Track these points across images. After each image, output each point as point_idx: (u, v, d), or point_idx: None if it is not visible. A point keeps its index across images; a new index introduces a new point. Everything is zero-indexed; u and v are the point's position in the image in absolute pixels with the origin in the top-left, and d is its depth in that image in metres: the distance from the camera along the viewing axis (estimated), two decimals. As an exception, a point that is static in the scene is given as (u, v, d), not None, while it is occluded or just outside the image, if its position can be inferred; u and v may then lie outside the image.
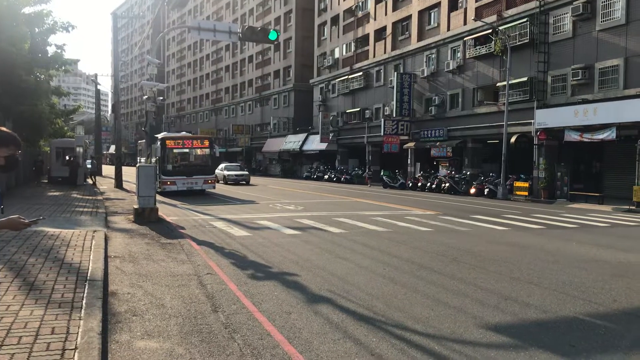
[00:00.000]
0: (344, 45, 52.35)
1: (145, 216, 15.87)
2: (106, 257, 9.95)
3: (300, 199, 26.06)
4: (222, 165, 40.79)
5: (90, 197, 23.35)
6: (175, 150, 27.63)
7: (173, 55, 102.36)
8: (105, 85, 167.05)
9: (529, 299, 7.63)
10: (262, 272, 9.32)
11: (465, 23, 35.76)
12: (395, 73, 41.13)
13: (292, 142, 58.25)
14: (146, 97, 18.93)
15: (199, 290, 7.89)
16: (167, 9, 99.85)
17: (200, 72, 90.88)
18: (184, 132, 35.63)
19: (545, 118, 28.22)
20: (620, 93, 24.90)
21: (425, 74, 38.97)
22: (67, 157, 33.50)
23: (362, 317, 6.67)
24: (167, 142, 27.26)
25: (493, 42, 32.28)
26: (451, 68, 36.34)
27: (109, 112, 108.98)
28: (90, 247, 10.34)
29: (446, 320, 6.57)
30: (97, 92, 50.25)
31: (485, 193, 29.78)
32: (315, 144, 53.45)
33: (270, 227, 15.27)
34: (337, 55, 53.58)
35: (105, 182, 38.42)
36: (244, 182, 39.75)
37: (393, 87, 40.81)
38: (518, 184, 29.65)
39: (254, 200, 24.93)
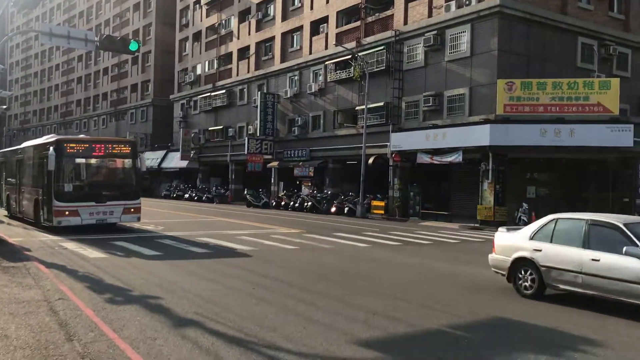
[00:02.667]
0: (207, 62, 51.62)
1: (-17, 237, 14.03)
2: None
3: (160, 219, 24.94)
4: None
5: None
6: (78, 161, 17.91)
7: (17, 64, 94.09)
8: None
9: (396, 313, 7.84)
10: (122, 296, 8.67)
11: (326, 47, 36.92)
12: (259, 92, 41.28)
13: (150, 159, 55.79)
14: (-14, 104, 17.09)
15: (49, 318, 7.11)
16: (9, 12, 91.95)
17: (49, 83, 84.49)
18: (82, 135, 25.05)
19: (400, 141, 29.83)
20: (465, 119, 27.06)
21: (289, 95, 39.56)
22: None
23: (233, 340, 6.40)
24: (67, 146, 17.45)
25: (352, 67, 33.62)
26: (313, 90, 37.24)
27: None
28: None
29: (318, 338, 6.52)
30: None
31: (345, 211, 30.69)
32: (175, 161, 51.80)
33: (128, 248, 14.36)
34: (199, 71, 52.65)
35: None
36: None
37: (257, 107, 40.87)
38: (375, 203, 30.96)
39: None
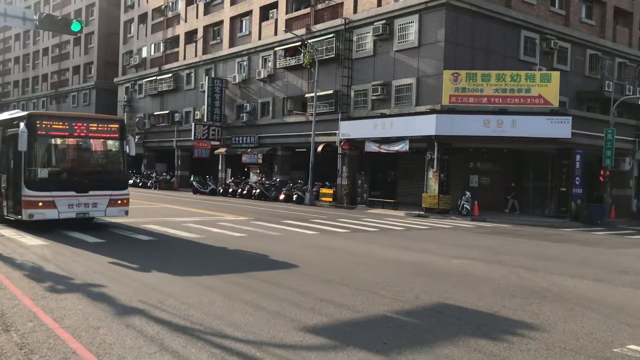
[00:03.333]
0: (153, 45, 50.37)
1: None
2: None
3: (103, 205, 24.25)
4: None
5: None
6: (55, 141, 14.87)
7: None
8: None
9: (342, 299, 7.94)
10: (63, 284, 8.43)
11: (276, 33, 36.64)
12: (207, 77, 40.63)
13: (93, 143, 54.32)
14: None
15: (-15, 308, 6.85)
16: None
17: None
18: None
19: (349, 129, 30.03)
20: (412, 109, 27.45)
21: (237, 81, 39.10)
22: None
23: (179, 328, 6.34)
24: (41, 123, 14.28)
25: (302, 54, 33.52)
26: (262, 76, 36.94)
27: None
28: None
29: (266, 325, 6.53)
30: None
31: (294, 199, 30.72)
32: (119, 146, 50.44)
33: (70, 234, 13.94)
34: (144, 54, 51.33)
35: None
36: None
37: (204, 92, 40.24)
38: (324, 190, 31.13)
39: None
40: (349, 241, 14.87)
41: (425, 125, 25.55)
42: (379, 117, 28.43)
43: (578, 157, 25.51)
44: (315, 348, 5.82)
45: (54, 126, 14.52)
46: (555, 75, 25.18)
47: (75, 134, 14.78)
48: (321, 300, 7.86)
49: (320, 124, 31.51)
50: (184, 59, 45.67)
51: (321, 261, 11.22)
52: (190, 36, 45.62)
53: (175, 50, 47.13)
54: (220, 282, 8.93)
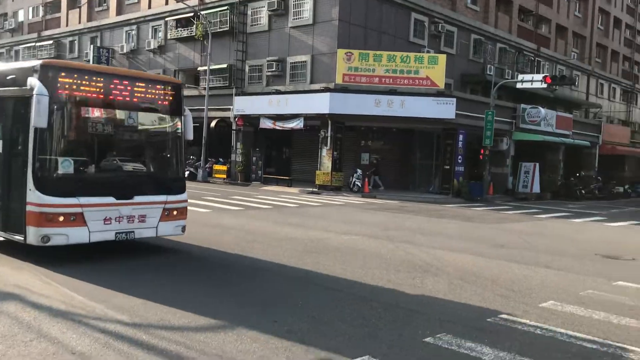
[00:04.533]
0: (31, 8, 46.68)
1: None
2: None
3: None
4: None
5: None
6: (83, 112, 8.63)
7: None
8: None
9: (233, 277, 7.91)
10: None
11: (167, 3, 35.23)
12: (92, 46, 38.39)
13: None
14: None
15: None
16: None
17: None
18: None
19: (243, 105, 29.68)
20: (307, 87, 27.63)
21: (125, 51, 37.28)
22: None
23: (58, 313, 6.00)
24: (65, 79, 8.13)
25: (195, 26, 32.53)
26: (152, 47, 35.48)
27: None
28: None
29: (153, 307, 6.36)
30: None
31: (186, 175, 29.94)
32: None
33: None
34: (21, 18, 47.46)
35: None
36: None
37: (89, 61, 37.99)
38: (217, 167, 30.69)
39: None
40: (242, 219, 14.81)
41: (320, 104, 25.84)
42: (274, 93, 28.35)
43: (461, 137, 26.96)
44: (204, 329, 5.76)
45: (82, 87, 8.36)
46: (442, 58, 26.33)
47: (115, 101, 8.83)
48: (212, 279, 7.78)
49: (214, 98, 30.88)
50: (67, 25, 42.76)
51: (214, 240, 11.08)
52: (74, 1, 42.73)
53: (57, 15, 44.00)
54: (106, 266, 8.56)
